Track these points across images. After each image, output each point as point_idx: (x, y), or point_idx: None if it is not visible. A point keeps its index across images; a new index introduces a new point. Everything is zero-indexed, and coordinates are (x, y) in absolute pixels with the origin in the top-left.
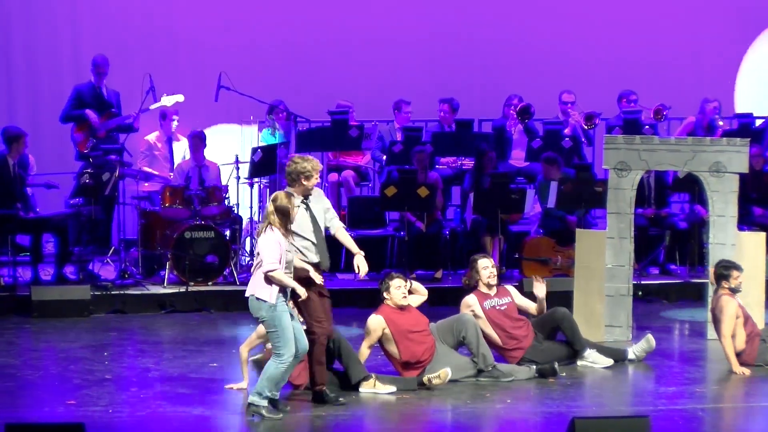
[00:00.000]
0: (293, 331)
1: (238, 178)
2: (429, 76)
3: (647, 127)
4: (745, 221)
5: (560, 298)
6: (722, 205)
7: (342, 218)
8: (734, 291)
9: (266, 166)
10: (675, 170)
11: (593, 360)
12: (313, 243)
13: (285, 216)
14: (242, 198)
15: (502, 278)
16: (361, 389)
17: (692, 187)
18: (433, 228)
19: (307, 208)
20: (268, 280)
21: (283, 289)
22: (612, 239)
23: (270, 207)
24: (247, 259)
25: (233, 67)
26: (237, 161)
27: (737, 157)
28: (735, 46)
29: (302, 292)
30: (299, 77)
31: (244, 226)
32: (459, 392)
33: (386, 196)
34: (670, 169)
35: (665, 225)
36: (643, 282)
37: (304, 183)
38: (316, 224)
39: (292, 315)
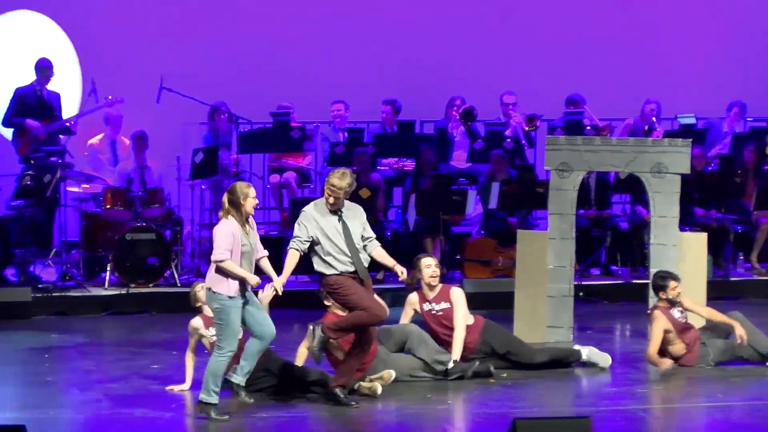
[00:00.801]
0: (255, 320)
1: (180, 179)
2: (371, 77)
3: (589, 128)
4: (687, 222)
5: (501, 299)
6: (664, 205)
7: (284, 220)
8: (672, 302)
9: (207, 167)
10: (617, 171)
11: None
12: (341, 251)
13: (236, 207)
14: (183, 199)
15: (444, 279)
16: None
17: (634, 187)
18: (375, 229)
19: (340, 218)
20: (222, 272)
21: (242, 283)
22: (554, 240)
23: (225, 197)
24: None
25: (175, 69)
26: (179, 162)
27: (679, 157)
28: (677, 47)
29: (253, 280)
30: (241, 79)
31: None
32: (401, 393)
33: (361, 197)
34: (612, 169)
35: (607, 226)
36: (584, 283)
37: (327, 194)
38: (348, 235)
39: (251, 304)
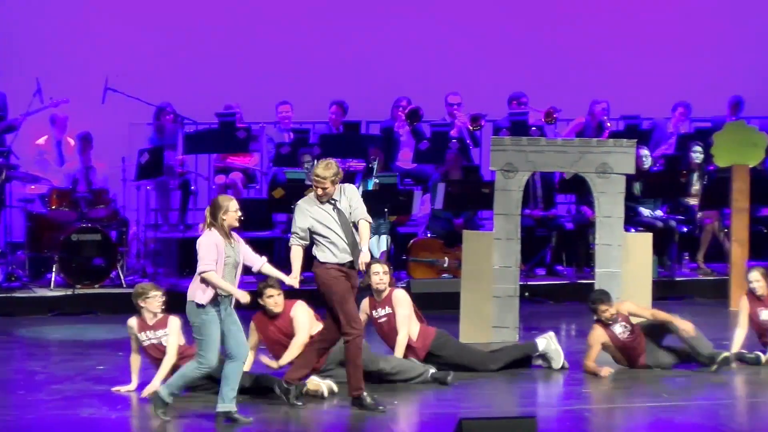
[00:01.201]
0: (235, 340)
1: (125, 180)
2: (317, 77)
3: (534, 128)
4: (632, 222)
5: (447, 299)
6: (609, 206)
7: None
8: (607, 323)
9: (153, 168)
10: (562, 171)
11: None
12: (340, 237)
13: (217, 219)
14: (129, 200)
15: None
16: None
17: (579, 188)
18: None
19: (334, 207)
20: (205, 282)
21: (221, 295)
22: (499, 240)
23: (207, 210)
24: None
25: (120, 70)
26: (124, 163)
27: (624, 158)
28: (622, 47)
29: (243, 296)
30: (186, 79)
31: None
32: (346, 394)
33: (274, 198)
34: (557, 170)
35: (552, 226)
36: (530, 283)
37: (316, 186)
38: (345, 222)
39: (232, 322)
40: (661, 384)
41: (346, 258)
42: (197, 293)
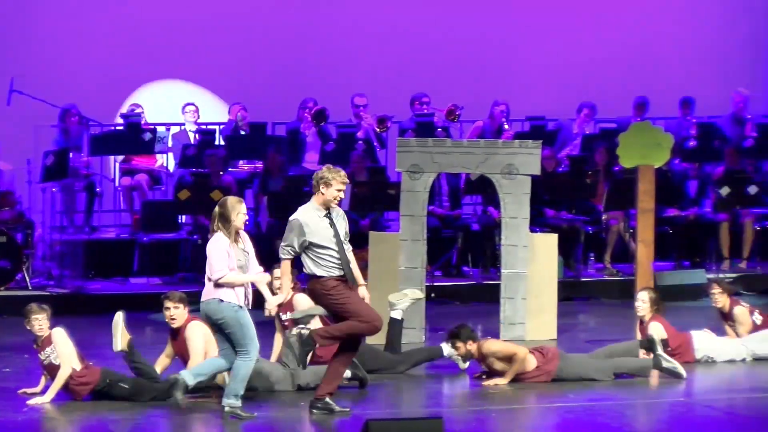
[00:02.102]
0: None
1: (30, 182)
2: (223, 79)
3: (440, 129)
4: (537, 223)
5: None
6: (514, 206)
7: (135, 222)
8: (466, 358)
9: (58, 170)
10: (468, 172)
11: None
12: (336, 253)
13: (226, 221)
14: (34, 202)
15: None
16: None
17: (485, 189)
18: None
19: (331, 222)
20: (221, 285)
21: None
22: (405, 241)
23: (215, 211)
24: None
25: (25, 71)
26: (29, 165)
27: (529, 159)
28: (528, 48)
29: (263, 278)
30: (91, 81)
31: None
32: (253, 396)
33: (180, 199)
34: (463, 171)
35: (458, 227)
36: (436, 284)
37: (322, 191)
38: (338, 239)
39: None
40: (568, 384)
41: (337, 273)
42: (223, 293)
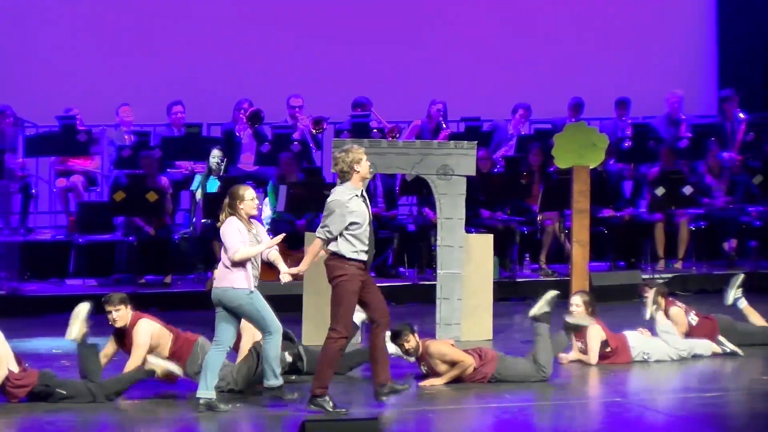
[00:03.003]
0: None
1: None
2: (158, 80)
3: (375, 131)
4: (473, 224)
5: (290, 301)
6: (450, 207)
7: (71, 224)
8: (410, 354)
9: None
10: (403, 173)
11: None
12: (368, 234)
13: (234, 209)
14: None
15: None
16: None
17: (420, 189)
18: (163, 233)
19: (364, 200)
20: (242, 268)
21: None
22: None
23: (225, 201)
24: None
25: None
26: None
27: (465, 160)
28: (463, 49)
29: (276, 239)
30: (26, 82)
31: None
32: (189, 398)
33: (115, 201)
34: (399, 172)
35: (394, 228)
36: None
37: (358, 169)
38: (370, 219)
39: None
40: (505, 385)
41: (366, 258)
42: (235, 279)
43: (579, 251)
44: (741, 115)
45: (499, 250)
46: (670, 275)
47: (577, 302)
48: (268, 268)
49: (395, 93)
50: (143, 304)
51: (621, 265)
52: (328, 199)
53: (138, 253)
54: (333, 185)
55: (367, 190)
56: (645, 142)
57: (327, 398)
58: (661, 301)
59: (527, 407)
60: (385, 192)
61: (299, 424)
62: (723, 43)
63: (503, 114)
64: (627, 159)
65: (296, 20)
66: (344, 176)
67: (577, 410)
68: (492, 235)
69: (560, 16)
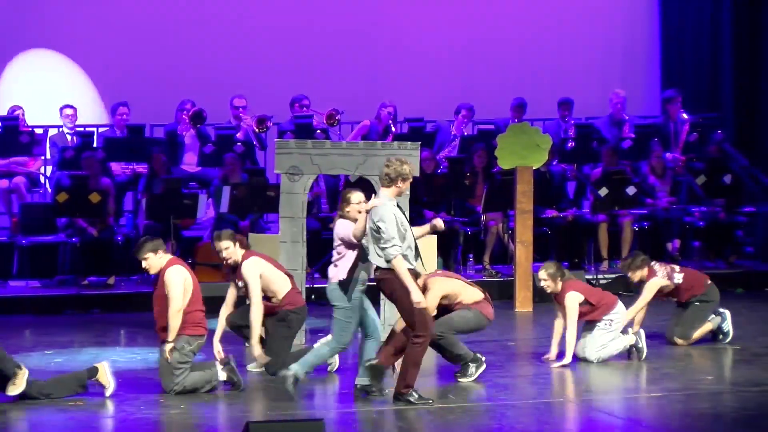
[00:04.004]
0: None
1: None
2: (101, 81)
3: (319, 131)
4: (417, 224)
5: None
6: None
7: (14, 225)
8: None
9: None
10: (347, 174)
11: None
12: (414, 245)
13: (342, 206)
14: None
15: None
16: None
17: (365, 190)
18: (106, 234)
19: (402, 211)
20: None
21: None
22: (285, 243)
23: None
24: None
25: None
26: None
27: (408, 160)
28: (406, 50)
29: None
30: None
31: None
32: (133, 399)
33: (58, 202)
34: (343, 173)
35: None
36: (316, 286)
37: (400, 185)
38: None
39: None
40: (449, 386)
41: (413, 264)
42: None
43: (522, 252)
44: (684, 115)
45: (443, 251)
46: (613, 275)
47: (543, 277)
48: (212, 270)
49: (339, 93)
50: (86, 306)
51: (565, 265)
52: (376, 212)
53: (81, 254)
54: (277, 186)
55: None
56: (588, 143)
57: (412, 391)
58: (641, 273)
59: (471, 407)
60: (328, 193)
61: (243, 425)
62: (666, 43)
63: (446, 115)
64: (570, 159)
65: (240, 21)
66: (386, 182)
67: (522, 410)
68: (435, 236)
69: (503, 16)
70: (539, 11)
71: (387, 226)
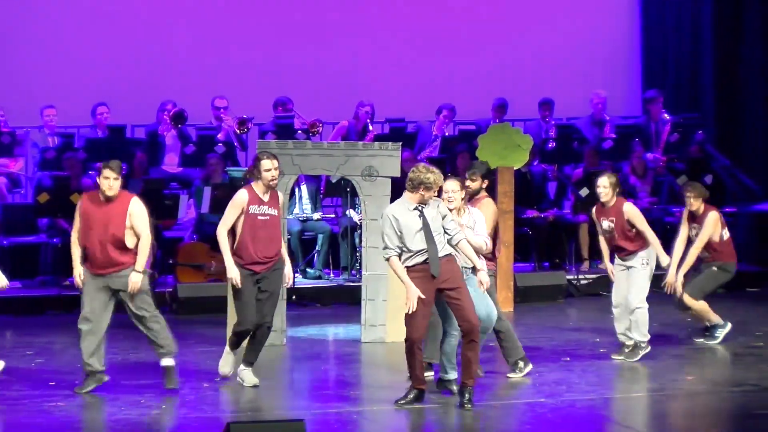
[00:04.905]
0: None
1: None
2: (81, 81)
3: (300, 131)
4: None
5: (214, 303)
6: (375, 208)
7: None
8: None
9: None
10: (328, 175)
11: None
12: (418, 244)
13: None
14: None
15: (155, 284)
16: None
17: (345, 191)
18: None
19: (420, 214)
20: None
21: None
22: None
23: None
24: None
25: None
26: None
27: (389, 161)
28: (386, 49)
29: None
30: None
31: None
32: (114, 398)
33: (39, 202)
34: (323, 173)
35: (320, 229)
36: (297, 286)
37: (422, 193)
38: (428, 230)
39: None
40: (432, 387)
41: (422, 259)
42: None
43: (503, 252)
44: (666, 116)
45: None
46: (594, 276)
47: (604, 184)
48: (193, 271)
49: (320, 94)
50: (68, 307)
51: (545, 266)
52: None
53: (63, 254)
54: None
55: (292, 192)
56: (569, 143)
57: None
58: (699, 204)
59: (450, 408)
60: (309, 193)
61: (224, 426)
62: (647, 43)
63: (427, 115)
64: (551, 160)
65: (221, 21)
66: (409, 187)
67: (501, 410)
68: None
69: (484, 16)
70: (520, 12)
71: (382, 227)
